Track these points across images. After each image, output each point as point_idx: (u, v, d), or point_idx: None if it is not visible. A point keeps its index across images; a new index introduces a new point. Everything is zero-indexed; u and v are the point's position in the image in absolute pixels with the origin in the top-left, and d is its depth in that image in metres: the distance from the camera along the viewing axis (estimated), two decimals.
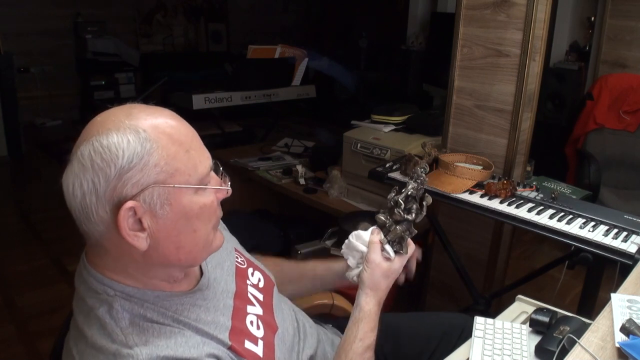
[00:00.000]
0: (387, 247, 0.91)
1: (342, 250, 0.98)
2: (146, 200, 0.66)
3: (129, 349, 0.66)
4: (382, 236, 0.91)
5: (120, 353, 0.66)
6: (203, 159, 0.72)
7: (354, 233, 0.97)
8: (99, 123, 0.68)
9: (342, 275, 1.03)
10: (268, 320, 0.89)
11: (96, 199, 0.65)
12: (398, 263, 0.91)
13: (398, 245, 0.91)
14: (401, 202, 0.89)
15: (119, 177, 0.65)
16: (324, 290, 1.13)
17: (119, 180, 0.65)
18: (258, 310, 0.88)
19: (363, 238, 0.95)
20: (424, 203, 0.91)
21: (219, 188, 0.75)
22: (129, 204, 0.65)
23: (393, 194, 0.90)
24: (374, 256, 0.90)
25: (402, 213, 0.89)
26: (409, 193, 0.89)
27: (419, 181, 0.90)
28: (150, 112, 0.70)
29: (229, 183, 0.78)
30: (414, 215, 0.90)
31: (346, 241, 0.97)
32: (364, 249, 0.94)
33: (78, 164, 0.65)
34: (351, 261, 0.97)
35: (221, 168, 0.77)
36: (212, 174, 0.75)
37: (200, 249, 0.75)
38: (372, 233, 0.93)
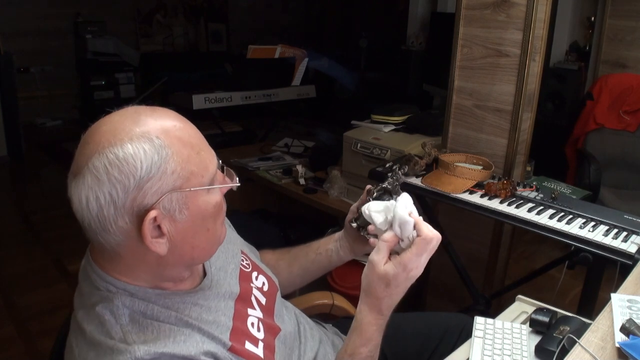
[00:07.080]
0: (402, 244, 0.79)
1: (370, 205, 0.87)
2: (165, 206, 0.67)
3: (127, 345, 0.66)
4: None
5: (117, 348, 0.66)
6: (211, 157, 0.73)
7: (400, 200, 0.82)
8: (108, 132, 0.66)
9: (335, 252, 1.05)
10: (269, 323, 0.89)
11: (114, 210, 0.65)
12: (403, 275, 0.77)
13: (364, 230, 0.97)
14: (374, 191, 0.96)
15: (139, 188, 0.64)
16: (318, 273, 1.10)
17: (138, 191, 0.65)
18: (259, 313, 0.88)
19: (408, 206, 0.80)
20: (396, 197, 0.87)
21: (230, 185, 0.76)
22: (152, 213, 0.65)
23: (372, 187, 0.98)
24: (374, 256, 0.79)
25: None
26: (384, 186, 0.97)
27: (394, 177, 0.98)
28: (157, 116, 0.69)
29: (237, 178, 0.78)
30: None
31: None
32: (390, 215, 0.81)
33: (92, 177, 0.64)
34: (379, 220, 0.85)
35: (221, 162, 0.78)
36: (218, 171, 0.75)
37: (212, 245, 0.76)
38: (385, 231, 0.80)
